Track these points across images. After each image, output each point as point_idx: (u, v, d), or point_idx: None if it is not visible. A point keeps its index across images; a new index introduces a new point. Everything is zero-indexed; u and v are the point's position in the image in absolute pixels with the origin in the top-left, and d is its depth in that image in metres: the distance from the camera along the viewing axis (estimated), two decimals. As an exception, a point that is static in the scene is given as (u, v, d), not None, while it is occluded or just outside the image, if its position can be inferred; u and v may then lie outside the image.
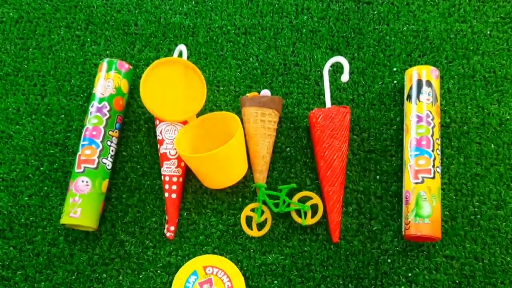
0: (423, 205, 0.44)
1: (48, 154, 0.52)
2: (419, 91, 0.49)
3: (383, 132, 0.53)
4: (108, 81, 0.51)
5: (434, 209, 0.44)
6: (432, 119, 0.48)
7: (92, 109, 0.50)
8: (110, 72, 0.51)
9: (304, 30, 0.57)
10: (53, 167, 0.52)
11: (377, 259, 0.48)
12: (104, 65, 0.51)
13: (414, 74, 0.50)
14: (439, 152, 0.47)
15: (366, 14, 0.58)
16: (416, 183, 0.45)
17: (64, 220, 0.46)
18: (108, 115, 0.50)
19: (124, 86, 0.52)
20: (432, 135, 0.47)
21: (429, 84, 0.49)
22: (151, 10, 0.58)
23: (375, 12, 0.58)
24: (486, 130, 0.52)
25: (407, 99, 0.50)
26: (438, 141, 0.47)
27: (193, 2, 0.58)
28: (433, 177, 0.45)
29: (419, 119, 0.48)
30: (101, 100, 0.50)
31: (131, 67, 0.52)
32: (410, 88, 0.50)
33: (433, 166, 0.46)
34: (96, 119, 0.49)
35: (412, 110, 0.49)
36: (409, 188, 0.46)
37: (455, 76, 0.55)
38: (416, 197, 0.45)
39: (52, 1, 0.58)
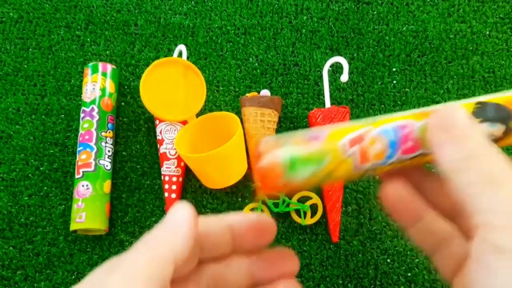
0: (307, 168, 0.24)
1: (48, 154, 0.52)
2: None
3: (383, 132, 0.53)
4: (93, 84, 0.51)
5: (304, 182, 0.24)
6: None
7: (82, 115, 0.50)
8: (95, 75, 0.51)
9: (304, 30, 0.57)
10: (53, 167, 0.52)
11: (376, 259, 0.48)
12: (88, 70, 0.52)
13: None
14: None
15: (365, 14, 0.58)
16: (345, 152, 0.26)
17: (72, 226, 0.47)
18: (97, 117, 0.50)
19: (111, 86, 0.52)
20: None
21: None
22: (151, 10, 0.58)
23: (375, 12, 0.58)
24: (485, 130, 0.52)
25: None
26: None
27: (192, 2, 0.58)
28: (355, 169, 0.25)
29: None
30: (88, 104, 0.50)
31: (114, 67, 0.53)
32: None
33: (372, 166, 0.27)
34: (87, 123, 0.49)
35: None
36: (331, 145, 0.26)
37: (454, 76, 0.55)
38: (315, 155, 0.25)
39: (52, 1, 0.58)
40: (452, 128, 0.21)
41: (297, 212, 0.49)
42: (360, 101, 0.54)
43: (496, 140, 0.23)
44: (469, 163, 0.20)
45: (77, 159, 0.49)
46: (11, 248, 0.49)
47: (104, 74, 0.51)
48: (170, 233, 0.21)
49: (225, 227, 0.24)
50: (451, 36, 0.57)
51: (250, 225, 0.24)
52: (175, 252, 0.20)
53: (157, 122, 0.51)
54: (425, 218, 0.26)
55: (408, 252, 0.48)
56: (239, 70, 0.55)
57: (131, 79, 0.55)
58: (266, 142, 0.23)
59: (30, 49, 0.56)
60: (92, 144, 0.49)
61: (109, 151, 0.50)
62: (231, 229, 0.24)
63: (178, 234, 0.21)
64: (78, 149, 0.49)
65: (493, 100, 0.23)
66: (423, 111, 0.23)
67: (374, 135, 0.22)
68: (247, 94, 0.52)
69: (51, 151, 0.52)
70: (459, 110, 0.21)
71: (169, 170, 0.49)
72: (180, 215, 0.21)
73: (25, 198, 0.50)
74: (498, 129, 0.23)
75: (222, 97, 0.54)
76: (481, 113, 0.22)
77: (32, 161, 0.52)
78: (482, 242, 0.19)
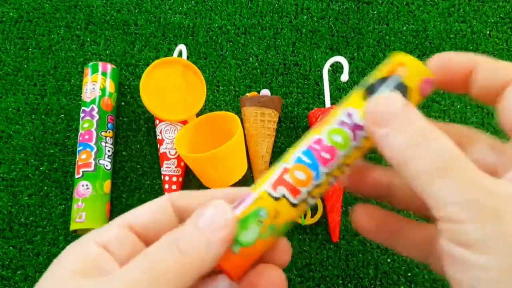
0: (249, 226, 0.22)
1: (48, 154, 0.52)
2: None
3: (383, 132, 0.53)
4: (93, 84, 0.51)
5: (259, 242, 0.23)
6: None
7: (82, 115, 0.50)
8: (95, 75, 0.51)
9: (304, 30, 0.57)
10: (53, 166, 0.52)
11: (376, 259, 0.48)
12: (88, 70, 0.52)
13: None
14: (334, 184, 0.24)
15: (365, 14, 0.58)
16: (271, 196, 0.23)
17: (72, 226, 0.46)
18: (97, 116, 0.50)
19: (111, 86, 0.52)
20: (344, 155, 0.25)
21: None
22: (151, 10, 0.58)
23: (375, 12, 0.58)
24: (486, 130, 0.52)
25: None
26: (347, 170, 0.24)
27: (192, 2, 0.58)
28: (295, 205, 0.23)
29: None
30: (88, 104, 0.50)
31: (114, 66, 0.53)
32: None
33: (309, 192, 0.23)
34: (87, 123, 0.49)
35: None
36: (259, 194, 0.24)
37: (455, 76, 0.55)
38: (249, 214, 0.23)
39: (52, 1, 0.58)
40: (392, 117, 0.20)
41: (297, 212, 0.49)
42: (360, 101, 0.54)
43: None
44: (417, 151, 0.19)
45: (77, 159, 0.49)
46: (11, 248, 0.49)
47: (104, 74, 0.51)
48: (204, 239, 0.20)
49: (208, 200, 0.24)
50: (452, 35, 0.57)
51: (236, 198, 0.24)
52: (203, 264, 0.20)
53: (157, 122, 0.51)
54: (404, 231, 0.25)
55: (408, 252, 0.48)
56: (239, 69, 0.55)
57: (131, 78, 0.55)
58: None
59: (30, 49, 0.56)
60: (92, 144, 0.49)
61: (109, 151, 0.50)
62: None
63: (213, 244, 0.20)
64: (78, 149, 0.49)
65: (373, 78, 0.22)
66: (318, 125, 0.23)
67: (290, 168, 0.23)
68: (247, 94, 0.52)
69: (51, 151, 0.52)
70: (392, 96, 0.20)
71: (169, 170, 0.49)
72: (222, 219, 0.21)
73: (25, 198, 0.50)
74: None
75: (222, 96, 0.54)
76: (371, 93, 0.22)
77: (32, 161, 0.52)
78: (447, 237, 0.18)
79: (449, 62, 0.22)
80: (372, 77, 0.22)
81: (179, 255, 0.19)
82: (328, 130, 0.22)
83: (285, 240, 0.24)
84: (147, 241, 0.22)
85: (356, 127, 0.22)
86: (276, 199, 0.22)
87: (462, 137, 0.23)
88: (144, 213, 0.23)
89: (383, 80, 0.22)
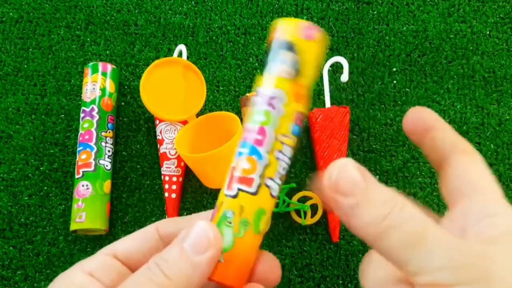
0: (223, 231, 0.23)
1: (48, 154, 0.52)
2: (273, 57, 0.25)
3: (383, 132, 0.53)
4: (93, 84, 0.51)
5: (238, 241, 0.23)
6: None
7: (82, 115, 0.50)
8: (95, 75, 0.51)
9: (304, 30, 0.57)
10: (53, 167, 0.52)
11: (376, 259, 0.48)
12: (88, 70, 0.52)
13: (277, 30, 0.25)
14: (287, 156, 0.24)
15: (365, 14, 0.58)
16: (229, 196, 0.24)
17: (72, 226, 0.46)
18: (97, 116, 0.50)
19: (111, 86, 0.52)
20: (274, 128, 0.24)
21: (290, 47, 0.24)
22: (151, 10, 0.58)
23: (375, 12, 0.58)
24: (486, 130, 0.52)
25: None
26: (288, 139, 0.24)
27: (193, 2, 0.58)
28: (255, 193, 0.24)
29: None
30: (88, 104, 0.50)
31: (114, 67, 0.53)
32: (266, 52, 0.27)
33: (261, 175, 0.24)
34: (87, 123, 0.49)
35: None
36: (220, 201, 0.25)
37: (455, 76, 0.55)
38: (218, 221, 0.24)
39: (52, 1, 0.58)
40: (355, 187, 0.19)
41: (297, 212, 0.49)
42: (360, 101, 0.54)
43: (297, 62, 0.23)
44: (388, 224, 0.18)
45: (77, 159, 0.49)
46: (11, 248, 0.49)
47: (104, 74, 0.51)
48: (190, 262, 0.21)
49: None
50: (451, 36, 0.57)
51: None
52: (190, 286, 0.20)
53: (157, 122, 0.51)
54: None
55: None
56: (239, 70, 0.55)
57: (131, 79, 0.55)
58: None
59: (30, 49, 0.56)
60: (92, 144, 0.49)
61: (109, 151, 0.50)
62: None
63: (199, 265, 0.21)
64: (78, 149, 0.49)
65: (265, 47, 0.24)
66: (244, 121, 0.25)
67: (235, 165, 0.24)
68: (247, 94, 0.52)
69: (51, 151, 0.52)
70: (347, 164, 0.20)
71: (169, 170, 0.49)
72: (205, 240, 0.21)
73: (25, 198, 0.50)
74: (287, 58, 0.23)
75: (222, 97, 0.54)
76: (268, 64, 0.23)
77: (32, 161, 0.52)
78: None
79: (420, 114, 0.24)
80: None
81: (166, 280, 0.20)
82: (249, 116, 0.24)
83: (274, 257, 0.25)
84: (133, 268, 0.23)
85: (269, 98, 0.23)
86: (234, 196, 0.23)
87: None
88: (130, 241, 0.24)
89: (268, 50, 0.23)
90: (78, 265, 0.23)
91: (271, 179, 0.23)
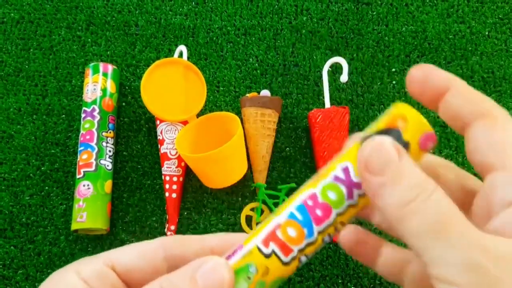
0: (239, 281, 0.21)
1: (49, 154, 0.52)
2: None
3: (382, 132, 0.53)
4: (94, 84, 0.51)
5: None
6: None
7: (83, 115, 0.50)
8: (95, 76, 0.51)
9: (304, 31, 0.57)
10: (54, 167, 0.52)
11: (376, 258, 0.48)
12: (89, 70, 0.52)
13: None
14: (330, 240, 0.23)
15: (365, 15, 0.58)
16: (261, 252, 0.22)
17: (73, 226, 0.47)
18: (98, 117, 0.50)
19: (111, 86, 0.52)
20: (338, 213, 0.22)
21: None
22: (152, 11, 0.58)
23: (374, 13, 0.58)
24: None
25: None
26: (341, 227, 0.22)
27: (193, 3, 0.59)
28: (287, 263, 0.22)
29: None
30: (89, 104, 0.50)
31: (115, 67, 0.53)
32: None
33: (301, 250, 0.22)
34: (88, 124, 0.50)
35: None
36: (249, 249, 0.22)
37: (454, 77, 0.55)
38: (238, 268, 0.22)
39: (53, 2, 0.59)
40: (387, 165, 0.19)
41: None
42: (359, 102, 0.54)
43: None
44: (413, 208, 0.18)
45: (78, 159, 0.49)
46: (12, 247, 0.49)
47: (105, 75, 0.52)
48: None
49: (205, 250, 0.23)
50: (450, 36, 0.57)
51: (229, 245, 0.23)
52: None
53: (157, 122, 0.51)
54: (383, 252, 0.25)
55: (408, 252, 0.48)
56: (239, 70, 0.56)
57: (132, 79, 0.55)
58: None
59: (31, 50, 0.57)
60: (93, 144, 0.49)
61: (110, 151, 0.50)
62: (212, 252, 0.23)
63: None
64: (79, 149, 0.49)
65: (372, 130, 0.21)
66: (316, 177, 0.22)
67: (282, 224, 0.22)
68: (247, 95, 0.52)
69: (52, 151, 0.52)
70: (387, 141, 0.19)
71: (169, 170, 0.50)
72: (219, 281, 0.20)
73: (26, 198, 0.51)
74: None
75: (223, 97, 0.55)
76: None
77: (33, 161, 0.52)
78: None
79: (429, 75, 0.21)
80: (371, 128, 0.21)
81: None
82: (323, 185, 0.21)
83: None
84: (129, 283, 0.23)
85: (352, 184, 0.21)
86: (267, 256, 0.21)
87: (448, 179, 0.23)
88: (132, 255, 0.23)
89: (381, 133, 0.21)
90: (73, 266, 0.22)
91: (306, 256, 0.22)
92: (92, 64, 0.52)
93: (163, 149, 0.50)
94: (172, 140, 0.50)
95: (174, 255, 0.23)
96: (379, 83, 0.55)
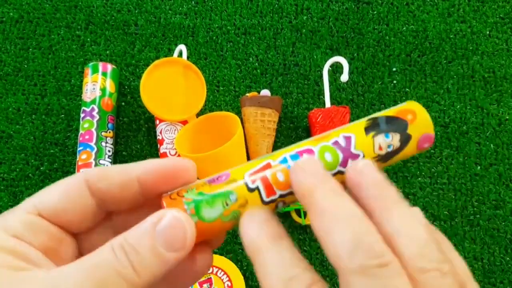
0: (214, 204, 0.22)
1: (48, 154, 0.52)
2: None
3: (383, 132, 0.53)
4: (93, 84, 0.51)
5: (217, 222, 0.22)
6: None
7: (82, 115, 0.50)
8: (95, 75, 0.51)
9: (304, 30, 0.57)
10: (53, 166, 0.52)
11: (376, 258, 0.48)
12: (88, 70, 0.52)
13: None
14: None
15: (365, 14, 0.58)
16: (246, 184, 0.22)
17: None
18: (98, 117, 0.50)
19: (111, 86, 0.52)
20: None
21: None
22: (151, 10, 0.58)
23: (375, 12, 0.58)
24: (485, 130, 0.52)
25: None
26: None
27: (193, 2, 0.58)
28: (265, 203, 0.23)
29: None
30: (89, 104, 0.50)
31: (114, 67, 0.53)
32: None
33: (283, 196, 0.23)
34: (87, 123, 0.50)
35: None
36: (233, 177, 0.23)
37: (455, 76, 0.55)
38: (219, 192, 0.23)
39: (52, 1, 0.58)
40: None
41: (297, 212, 0.49)
42: (360, 101, 0.54)
43: (396, 151, 0.23)
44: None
45: (78, 159, 0.49)
46: (11, 248, 0.49)
47: (104, 74, 0.52)
48: (160, 260, 0.19)
49: (130, 181, 0.22)
50: (451, 36, 0.57)
51: (161, 172, 0.22)
52: (155, 279, 0.19)
53: (157, 122, 0.51)
54: None
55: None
56: (239, 70, 0.56)
57: (131, 79, 0.55)
58: (167, 197, 0.22)
59: (31, 49, 0.56)
60: (93, 144, 0.49)
61: (109, 151, 0.50)
62: (139, 181, 0.22)
63: (169, 263, 0.19)
64: (78, 149, 0.49)
65: (381, 114, 0.23)
66: (317, 137, 0.23)
67: (273, 165, 0.22)
68: (247, 94, 0.52)
69: (51, 151, 0.52)
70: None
71: (169, 170, 0.49)
72: (180, 240, 0.20)
73: (26, 197, 0.50)
74: (392, 138, 0.22)
75: (222, 97, 0.54)
76: (374, 127, 0.22)
77: (33, 161, 0.52)
78: None
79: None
80: (381, 113, 0.23)
81: (135, 277, 0.18)
82: (322, 146, 0.22)
83: (209, 252, 0.23)
84: (63, 226, 0.21)
85: (349, 153, 0.22)
86: (250, 190, 0.22)
87: None
88: (55, 197, 0.21)
89: (390, 118, 0.22)
90: None
91: (284, 203, 0.23)
92: (91, 63, 0.52)
93: (162, 149, 0.50)
94: (171, 140, 0.50)
95: (99, 189, 0.21)
96: (379, 83, 0.55)
